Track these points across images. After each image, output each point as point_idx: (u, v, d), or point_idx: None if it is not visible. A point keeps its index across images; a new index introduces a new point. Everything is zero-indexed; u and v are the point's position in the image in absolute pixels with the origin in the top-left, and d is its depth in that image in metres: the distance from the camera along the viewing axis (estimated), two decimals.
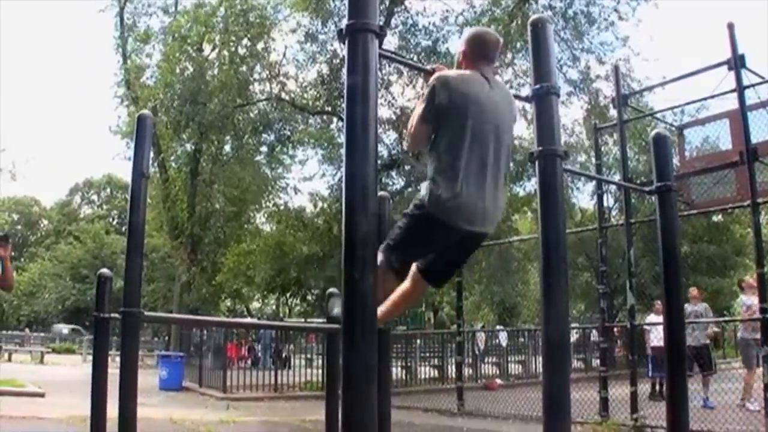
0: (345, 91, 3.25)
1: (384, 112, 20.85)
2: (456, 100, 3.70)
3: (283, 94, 23.43)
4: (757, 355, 11.47)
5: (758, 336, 11.47)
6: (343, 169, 3.07)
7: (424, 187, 3.85)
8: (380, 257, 3.63)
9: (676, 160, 11.18)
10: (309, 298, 24.95)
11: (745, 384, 11.59)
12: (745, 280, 12.72)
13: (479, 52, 3.96)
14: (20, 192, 72.98)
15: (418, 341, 20.30)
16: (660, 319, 11.87)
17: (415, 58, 19.34)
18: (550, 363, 4.06)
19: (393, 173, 21.30)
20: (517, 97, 4.40)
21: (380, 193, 4.40)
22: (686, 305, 12.21)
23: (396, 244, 3.84)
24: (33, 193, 74.96)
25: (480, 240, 4.02)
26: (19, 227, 75.52)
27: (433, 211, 3.72)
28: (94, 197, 76.10)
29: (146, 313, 7.25)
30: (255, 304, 44.09)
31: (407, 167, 20.16)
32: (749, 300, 11.83)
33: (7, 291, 5.25)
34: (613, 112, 14.42)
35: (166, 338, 36.17)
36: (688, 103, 12.06)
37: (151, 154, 8.34)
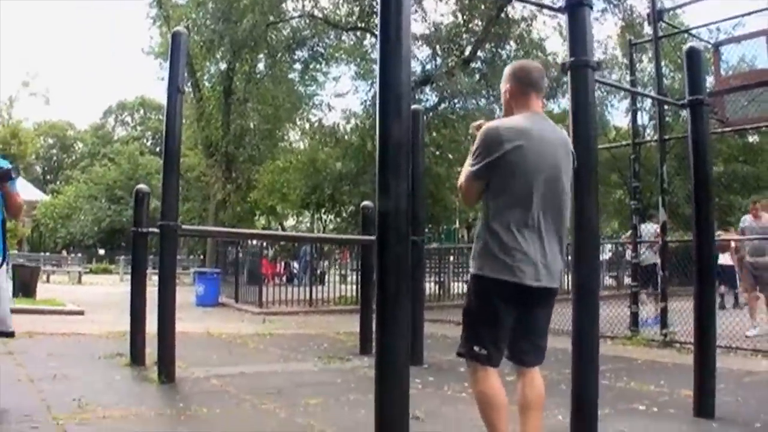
0: None
1: (417, 28, 20.66)
2: (509, 156, 3.40)
3: (316, 11, 23.24)
4: (756, 278, 11.34)
5: (754, 259, 11.30)
6: (376, 85, 3.09)
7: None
8: None
9: (711, 78, 11.02)
10: (343, 214, 25.04)
11: (750, 309, 11.46)
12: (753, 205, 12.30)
13: (526, 84, 3.68)
14: (55, 116, 73.79)
15: (451, 257, 20.37)
16: (756, 223, 11.67)
17: None
18: (580, 269, 4.13)
19: (427, 89, 21.18)
20: (550, 8, 4.38)
21: (414, 106, 4.43)
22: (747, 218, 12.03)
23: None
24: (67, 117, 75.51)
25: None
26: (54, 151, 76.51)
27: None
28: (128, 119, 76.37)
29: (183, 226, 7.42)
30: (290, 222, 44.41)
31: (441, 83, 20.02)
32: (745, 221, 11.84)
33: (14, 218, 5.55)
34: (647, 30, 14.18)
35: (202, 257, 36.70)
36: (724, 20, 11.87)
37: (185, 74, 8.40)
